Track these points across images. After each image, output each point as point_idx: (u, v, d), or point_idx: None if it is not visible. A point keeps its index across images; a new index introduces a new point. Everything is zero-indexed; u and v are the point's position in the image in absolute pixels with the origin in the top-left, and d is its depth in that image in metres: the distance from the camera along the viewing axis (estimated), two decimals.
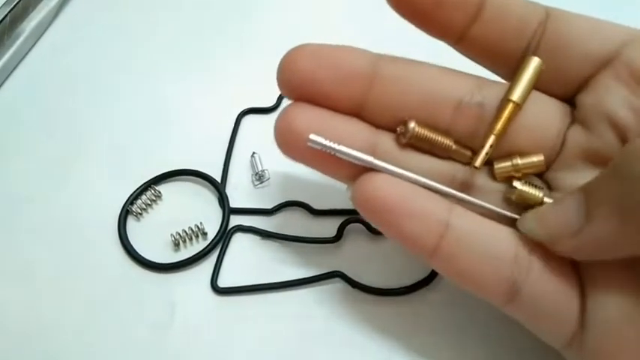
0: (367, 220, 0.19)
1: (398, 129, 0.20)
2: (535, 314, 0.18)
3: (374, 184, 0.18)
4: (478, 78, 0.20)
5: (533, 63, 0.19)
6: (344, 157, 0.19)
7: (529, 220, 0.18)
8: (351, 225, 0.25)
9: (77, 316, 0.23)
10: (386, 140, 0.20)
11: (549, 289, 0.18)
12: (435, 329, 0.22)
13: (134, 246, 0.25)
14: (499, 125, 0.19)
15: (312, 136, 0.18)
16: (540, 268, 0.18)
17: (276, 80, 0.20)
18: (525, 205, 0.19)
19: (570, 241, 0.17)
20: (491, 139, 0.19)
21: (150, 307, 0.23)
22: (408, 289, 0.23)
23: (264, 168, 0.27)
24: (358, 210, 0.19)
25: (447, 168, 0.20)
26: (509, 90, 0.19)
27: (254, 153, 0.28)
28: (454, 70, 0.20)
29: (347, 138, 0.19)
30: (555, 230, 0.17)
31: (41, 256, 0.25)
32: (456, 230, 0.18)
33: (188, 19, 0.35)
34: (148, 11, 0.36)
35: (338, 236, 0.25)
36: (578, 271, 0.18)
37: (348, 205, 0.26)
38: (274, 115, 0.30)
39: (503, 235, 0.18)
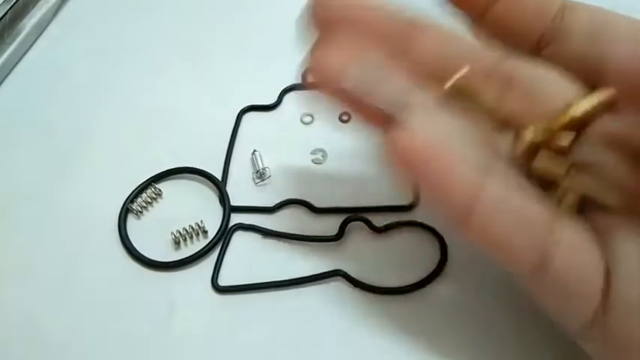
0: (402, 173, 0.18)
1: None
2: (560, 288, 0.17)
3: (412, 125, 0.17)
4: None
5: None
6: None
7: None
8: (353, 223, 0.25)
9: (77, 314, 0.23)
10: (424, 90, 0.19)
11: (577, 263, 0.17)
12: (439, 328, 0.22)
13: (134, 244, 0.25)
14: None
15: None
16: (570, 239, 0.17)
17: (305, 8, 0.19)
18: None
19: None
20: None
21: (150, 305, 0.23)
22: (410, 288, 0.23)
23: (265, 166, 0.27)
24: (389, 160, 0.17)
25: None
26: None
27: (255, 151, 0.28)
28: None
29: (383, 78, 0.18)
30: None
31: (40, 255, 0.25)
32: (492, 193, 0.17)
33: (188, 16, 0.35)
34: (148, 8, 0.35)
35: (339, 234, 0.24)
36: (605, 248, 0.17)
37: (349, 203, 0.26)
38: (275, 113, 0.30)
39: (536, 203, 0.17)
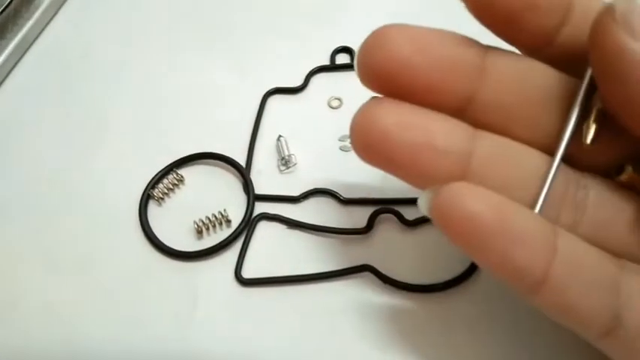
0: (450, 240, 0.16)
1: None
2: (633, 348, 0.16)
3: (464, 196, 0.15)
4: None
5: None
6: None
7: None
8: (383, 215, 0.24)
9: (97, 304, 0.23)
10: (487, 142, 0.17)
11: None
12: (472, 329, 0.21)
13: (155, 232, 0.24)
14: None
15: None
16: (638, 296, 0.16)
17: (356, 66, 0.17)
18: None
19: None
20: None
21: (172, 296, 0.23)
22: (443, 286, 0.22)
23: (290, 152, 0.26)
24: (439, 226, 0.16)
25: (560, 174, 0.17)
26: None
27: (280, 136, 0.26)
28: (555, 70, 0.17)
29: (444, 139, 0.16)
30: None
31: (60, 242, 0.24)
32: (565, 256, 0.15)
33: None
34: None
35: (368, 227, 0.23)
36: None
37: (379, 194, 0.24)
38: (302, 96, 0.29)
39: (606, 261, 0.16)
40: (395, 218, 0.24)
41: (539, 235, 0.15)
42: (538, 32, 0.17)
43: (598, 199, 0.17)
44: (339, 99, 0.28)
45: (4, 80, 0.30)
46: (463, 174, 0.16)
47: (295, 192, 0.25)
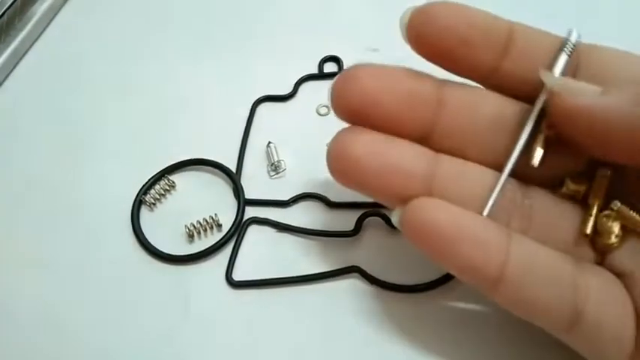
0: (419, 248, 0.18)
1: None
2: (596, 340, 0.17)
3: (426, 209, 0.17)
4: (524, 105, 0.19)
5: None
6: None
7: (553, 76, 0.18)
8: (370, 218, 0.24)
9: (89, 308, 0.23)
10: (446, 164, 0.19)
11: (608, 314, 0.17)
12: (457, 327, 0.22)
13: (147, 237, 0.24)
14: (599, 193, 0.19)
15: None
16: (598, 293, 0.17)
17: (330, 102, 0.19)
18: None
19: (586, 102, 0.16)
20: (596, 208, 0.19)
21: (163, 299, 0.23)
22: (428, 286, 0.22)
23: (280, 158, 0.26)
24: (408, 238, 0.18)
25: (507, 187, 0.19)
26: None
27: (270, 142, 0.27)
28: (504, 96, 0.19)
29: (408, 163, 0.18)
30: (577, 87, 0.17)
31: (54, 247, 0.25)
32: (519, 256, 0.17)
33: (203, 5, 0.34)
34: None
35: (356, 230, 0.24)
36: (633, 296, 0.17)
37: (366, 198, 0.25)
38: (291, 103, 0.29)
39: (561, 260, 0.18)
40: (382, 221, 0.24)
41: (493, 239, 0.17)
42: (478, 65, 0.19)
43: (543, 209, 0.19)
44: (327, 106, 0.28)
45: None
46: (427, 193, 0.18)
47: (285, 196, 0.25)
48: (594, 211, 0.19)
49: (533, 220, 0.19)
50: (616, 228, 0.18)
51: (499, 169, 0.19)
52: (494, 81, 0.19)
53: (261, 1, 0.34)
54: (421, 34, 0.18)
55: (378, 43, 0.30)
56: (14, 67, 0.31)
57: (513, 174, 0.19)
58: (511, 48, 0.18)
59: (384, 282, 0.23)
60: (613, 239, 0.18)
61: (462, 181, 0.19)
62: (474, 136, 0.19)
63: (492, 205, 0.18)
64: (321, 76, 0.30)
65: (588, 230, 0.18)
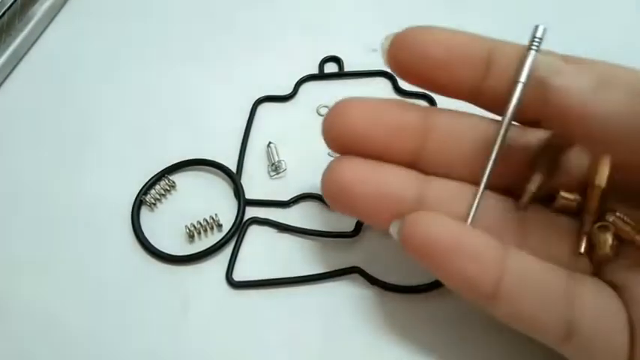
0: (418, 261, 0.18)
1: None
2: (591, 352, 0.17)
3: (424, 223, 0.18)
4: (520, 127, 0.20)
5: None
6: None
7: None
8: None
9: (89, 308, 0.23)
10: (436, 186, 0.20)
11: (603, 327, 0.17)
12: (456, 328, 0.22)
13: (148, 237, 0.24)
14: (593, 211, 0.19)
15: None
16: (593, 306, 0.17)
17: (322, 135, 0.20)
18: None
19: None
20: (588, 224, 0.19)
21: (163, 300, 0.23)
22: (429, 287, 0.22)
23: (280, 158, 0.26)
24: (406, 250, 0.18)
25: (501, 205, 0.20)
26: (594, 176, 0.19)
27: (270, 143, 0.27)
28: (490, 118, 0.20)
29: (397, 187, 0.19)
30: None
31: (54, 248, 0.25)
32: (515, 270, 0.17)
33: (202, 5, 0.34)
34: None
35: (356, 230, 0.24)
36: (626, 303, 0.18)
37: None
38: (291, 104, 0.29)
39: (557, 274, 0.18)
40: None
41: (489, 253, 0.17)
42: (461, 87, 0.19)
43: (538, 224, 0.19)
44: (327, 106, 0.28)
45: None
46: None
47: (285, 197, 0.25)
48: (588, 228, 0.19)
49: (527, 235, 0.19)
50: (610, 239, 0.18)
51: (489, 188, 0.19)
52: (480, 99, 0.19)
53: (261, 1, 0.34)
54: (400, 61, 0.19)
55: (378, 43, 0.30)
56: (14, 68, 0.31)
57: (506, 190, 0.19)
58: (492, 67, 0.19)
59: (384, 282, 0.23)
60: (607, 250, 0.18)
61: (453, 201, 0.19)
62: (462, 159, 0.20)
63: (474, 215, 0.18)
64: (321, 76, 0.30)
65: (582, 249, 0.19)
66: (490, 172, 0.19)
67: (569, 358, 0.18)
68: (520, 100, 0.18)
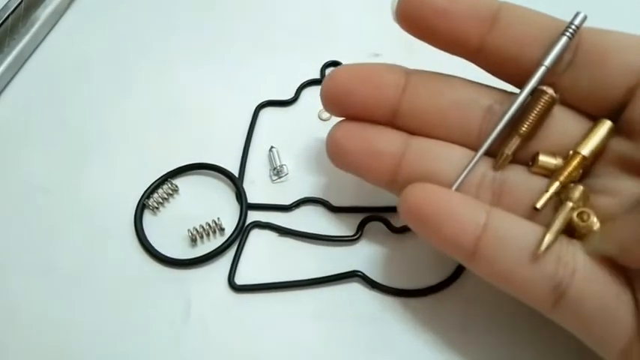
0: (414, 229, 0.20)
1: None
2: (584, 319, 0.17)
3: (415, 191, 0.19)
4: (501, 90, 0.21)
5: (605, 125, 0.19)
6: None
7: (598, 239, 0.18)
8: (372, 223, 0.24)
9: (92, 311, 0.23)
10: (416, 143, 0.21)
11: (597, 290, 0.17)
12: (458, 331, 0.22)
13: (150, 241, 0.25)
14: (565, 175, 0.19)
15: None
16: (585, 269, 0.17)
17: (320, 97, 0.23)
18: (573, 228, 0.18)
19: None
20: (555, 186, 0.19)
21: (166, 303, 0.23)
22: (429, 290, 0.23)
23: (282, 163, 0.27)
24: (405, 220, 0.20)
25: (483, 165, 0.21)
26: (580, 144, 0.19)
27: (272, 147, 0.27)
28: (477, 82, 0.21)
29: (381, 144, 0.21)
30: (627, 242, 0.17)
31: (56, 251, 0.25)
32: (493, 230, 0.18)
33: (207, 8, 0.34)
34: (164, 1, 0.35)
35: (358, 234, 0.24)
36: (627, 275, 0.17)
37: (368, 202, 0.25)
38: (293, 108, 0.29)
39: (538, 232, 0.18)
40: (383, 225, 0.24)
41: (468, 214, 0.18)
42: (463, 40, 0.20)
43: (515, 185, 0.20)
44: None
45: (0, 94, 0.31)
46: (396, 169, 0.21)
47: (287, 201, 0.26)
48: (552, 187, 0.19)
49: (502, 195, 0.20)
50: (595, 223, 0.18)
51: (468, 146, 0.21)
52: (481, 57, 0.20)
53: (263, 6, 0.34)
54: (409, 13, 0.20)
55: (380, 48, 0.30)
56: (18, 71, 0.32)
57: (489, 151, 0.20)
58: (496, 24, 0.20)
59: (386, 286, 0.23)
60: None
61: (430, 158, 0.21)
62: (438, 118, 0.21)
63: (461, 182, 0.20)
64: (322, 81, 0.30)
65: (538, 205, 0.19)
66: (491, 142, 0.20)
67: (561, 324, 0.18)
68: (539, 82, 0.19)
